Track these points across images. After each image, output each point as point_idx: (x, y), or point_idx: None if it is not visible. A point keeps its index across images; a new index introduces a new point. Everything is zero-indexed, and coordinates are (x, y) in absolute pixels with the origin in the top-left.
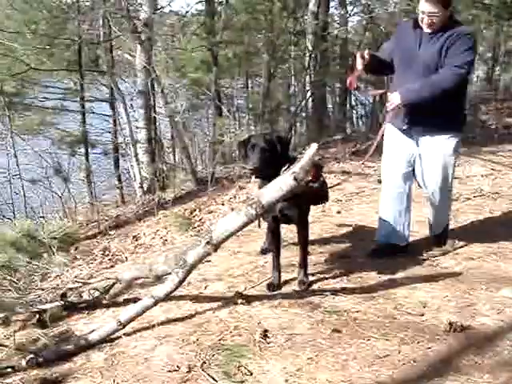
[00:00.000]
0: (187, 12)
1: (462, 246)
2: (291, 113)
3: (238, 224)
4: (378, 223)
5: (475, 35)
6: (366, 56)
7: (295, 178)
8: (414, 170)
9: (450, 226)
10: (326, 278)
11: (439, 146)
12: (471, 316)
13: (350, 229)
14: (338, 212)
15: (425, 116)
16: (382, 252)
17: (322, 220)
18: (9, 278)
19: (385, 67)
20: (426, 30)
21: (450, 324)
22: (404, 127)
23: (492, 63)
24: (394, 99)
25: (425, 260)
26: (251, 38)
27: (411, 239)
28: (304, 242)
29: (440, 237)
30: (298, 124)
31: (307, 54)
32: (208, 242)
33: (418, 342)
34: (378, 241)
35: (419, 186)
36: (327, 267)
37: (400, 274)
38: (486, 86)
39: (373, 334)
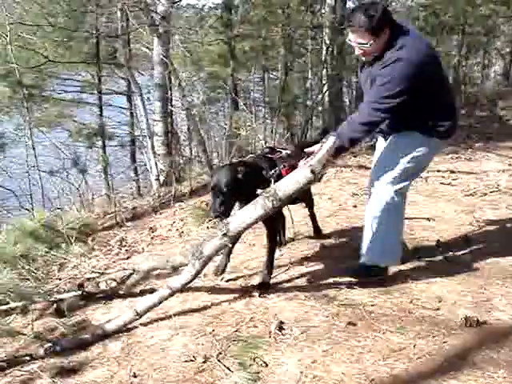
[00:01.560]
0: (204, 5)
1: (478, 241)
2: (307, 106)
3: (254, 216)
4: None
5: (410, 60)
6: None
7: (312, 171)
8: None
9: (468, 226)
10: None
11: (392, 141)
12: (487, 311)
13: None
14: (355, 206)
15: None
16: None
17: (338, 214)
18: (27, 267)
19: None
20: (364, 59)
21: (466, 319)
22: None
23: (510, 58)
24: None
25: (441, 255)
26: (268, 31)
27: (426, 234)
28: (270, 246)
29: (361, 271)
30: (314, 118)
31: (324, 48)
32: (225, 234)
33: (434, 336)
34: None
35: None
36: (343, 260)
37: (416, 269)
38: (503, 80)
39: (388, 328)
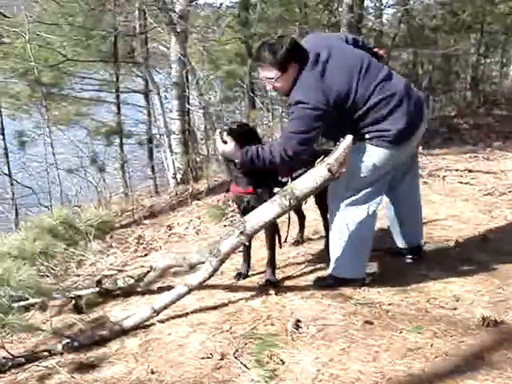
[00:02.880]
0: (222, 4)
1: (495, 241)
2: None
3: (271, 215)
4: None
5: (306, 99)
6: None
7: (329, 170)
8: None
9: (483, 223)
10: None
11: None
12: (505, 311)
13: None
14: None
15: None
16: None
17: None
18: (46, 264)
19: None
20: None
21: (483, 318)
22: None
23: None
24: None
25: (458, 254)
26: (286, 30)
27: (444, 233)
28: (269, 241)
29: (327, 280)
30: None
31: None
32: (242, 232)
33: (451, 336)
34: None
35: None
36: None
37: (433, 268)
38: None
39: (405, 327)
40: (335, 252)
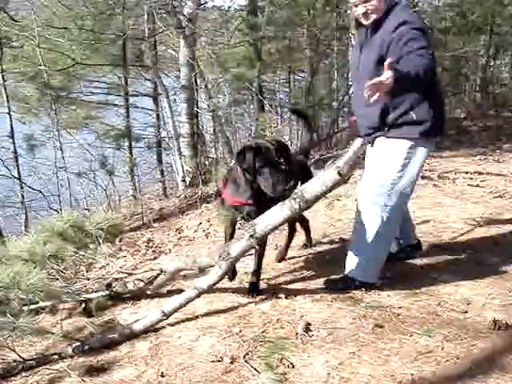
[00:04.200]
0: (230, 7)
1: (506, 244)
2: (333, 108)
3: (281, 218)
4: None
5: (415, 23)
6: None
7: (339, 173)
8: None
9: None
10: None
11: (380, 149)
12: None
13: None
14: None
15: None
16: None
17: None
18: (56, 267)
19: None
20: (365, 23)
21: (495, 322)
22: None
23: None
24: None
25: (469, 257)
26: (294, 33)
27: (454, 236)
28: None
29: (339, 282)
30: (340, 119)
31: (350, 49)
32: (251, 236)
33: (462, 339)
34: None
35: None
36: None
37: (444, 271)
38: None
39: (416, 330)
40: (353, 254)
